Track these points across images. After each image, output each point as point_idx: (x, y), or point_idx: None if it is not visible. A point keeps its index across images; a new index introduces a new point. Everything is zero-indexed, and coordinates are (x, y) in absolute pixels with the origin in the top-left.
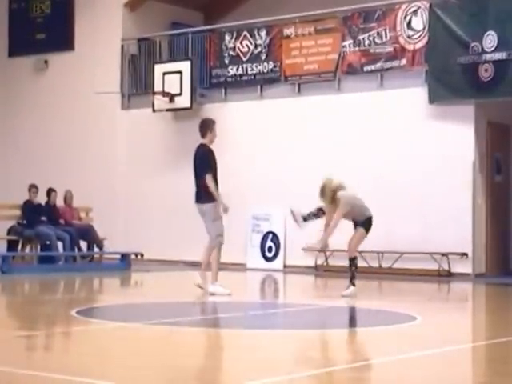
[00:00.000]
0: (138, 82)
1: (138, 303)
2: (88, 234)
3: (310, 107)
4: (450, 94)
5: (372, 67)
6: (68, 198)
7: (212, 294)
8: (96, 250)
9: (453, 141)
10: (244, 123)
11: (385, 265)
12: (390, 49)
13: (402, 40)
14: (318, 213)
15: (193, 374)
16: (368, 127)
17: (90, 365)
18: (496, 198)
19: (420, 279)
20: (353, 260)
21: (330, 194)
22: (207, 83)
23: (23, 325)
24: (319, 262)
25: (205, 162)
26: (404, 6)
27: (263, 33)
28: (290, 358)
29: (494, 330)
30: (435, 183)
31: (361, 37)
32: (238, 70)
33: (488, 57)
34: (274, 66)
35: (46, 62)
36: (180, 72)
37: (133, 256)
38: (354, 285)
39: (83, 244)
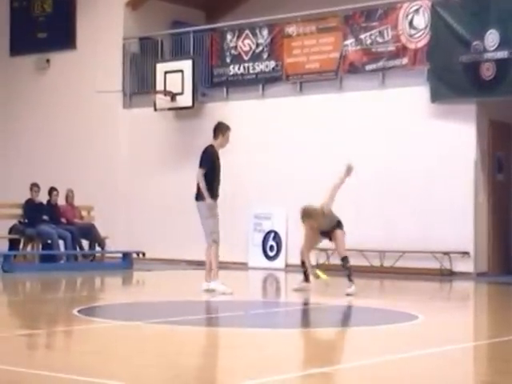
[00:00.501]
0: (139, 81)
1: (139, 302)
2: (90, 233)
3: (312, 106)
4: (452, 92)
5: (374, 66)
6: (69, 197)
7: (212, 291)
8: (98, 248)
9: (454, 140)
10: (246, 122)
11: (386, 264)
12: (391, 48)
13: (403, 39)
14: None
15: (195, 372)
16: (370, 126)
17: (92, 363)
18: (498, 196)
19: (422, 278)
20: (345, 259)
21: (312, 211)
22: (209, 82)
23: (25, 324)
24: (321, 261)
25: (203, 159)
26: (406, 5)
27: (265, 32)
28: (291, 356)
29: (495, 329)
30: (437, 182)
31: (362, 35)
32: (239, 68)
33: (490, 55)
34: (276, 65)
35: (47, 60)
36: (182, 71)
37: (134, 255)
38: (353, 282)
39: (85, 243)
